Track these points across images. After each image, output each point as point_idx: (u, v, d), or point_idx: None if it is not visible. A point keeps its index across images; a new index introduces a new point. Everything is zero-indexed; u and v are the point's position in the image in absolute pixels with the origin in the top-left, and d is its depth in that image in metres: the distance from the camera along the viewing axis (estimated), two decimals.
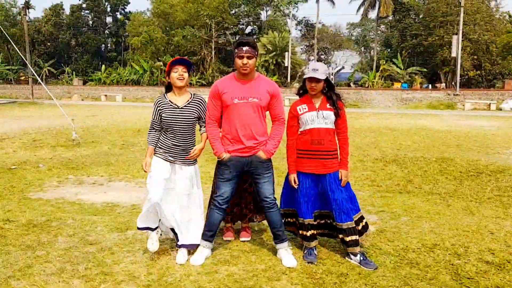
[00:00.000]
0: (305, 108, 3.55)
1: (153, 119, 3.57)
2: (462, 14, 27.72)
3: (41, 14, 52.96)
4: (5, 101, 29.03)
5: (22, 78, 45.34)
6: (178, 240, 3.58)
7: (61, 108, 12.14)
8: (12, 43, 13.59)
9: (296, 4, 42.69)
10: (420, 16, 40.90)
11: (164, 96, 3.57)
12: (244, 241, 3.98)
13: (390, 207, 5.17)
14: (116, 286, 3.11)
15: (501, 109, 24.12)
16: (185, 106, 3.51)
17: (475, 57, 35.74)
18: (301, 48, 49.37)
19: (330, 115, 3.53)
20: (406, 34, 39.46)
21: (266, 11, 46.24)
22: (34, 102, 28.08)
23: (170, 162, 3.54)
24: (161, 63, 38.88)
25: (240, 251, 3.75)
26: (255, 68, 3.56)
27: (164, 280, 3.20)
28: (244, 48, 3.38)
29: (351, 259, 3.54)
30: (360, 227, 3.64)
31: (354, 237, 3.49)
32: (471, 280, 3.25)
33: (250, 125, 3.48)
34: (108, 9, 53.28)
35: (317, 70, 3.45)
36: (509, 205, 5.29)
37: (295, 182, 3.59)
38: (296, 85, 38.24)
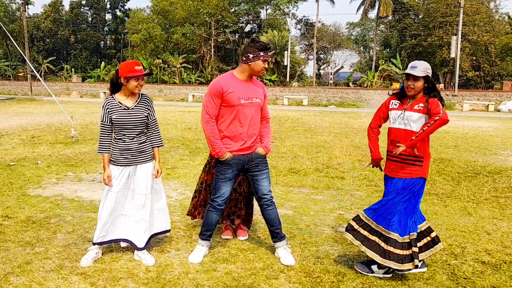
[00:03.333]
0: (395, 105, 3.38)
1: (103, 121, 3.45)
2: (461, 15, 27.75)
3: (41, 10, 53.02)
4: (4, 98, 28.98)
5: (21, 74, 45.28)
6: (137, 246, 3.52)
7: (60, 105, 12.14)
8: (11, 39, 13.55)
9: (296, 3, 42.70)
10: (420, 17, 40.98)
11: (113, 97, 3.48)
12: (242, 239, 4.00)
13: None
14: (115, 283, 3.12)
15: (499, 111, 24.19)
16: (134, 106, 3.46)
17: (474, 58, 35.85)
18: (301, 47, 49.39)
19: (411, 115, 3.22)
20: (406, 34, 39.53)
21: (266, 10, 46.25)
22: (32, 99, 28.03)
23: (127, 165, 3.48)
24: (160, 60, 38.87)
25: (238, 250, 3.77)
26: None
27: (163, 278, 3.22)
28: (270, 53, 3.46)
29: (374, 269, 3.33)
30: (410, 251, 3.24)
31: (399, 251, 3.23)
32: (467, 280, 3.27)
33: (253, 124, 3.52)
34: (108, 6, 53.22)
35: (415, 67, 3.20)
36: (506, 206, 5.32)
37: (379, 167, 3.56)
38: (295, 84, 38.32)
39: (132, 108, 3.45)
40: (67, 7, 51.90)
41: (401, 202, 3.25)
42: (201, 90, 31.32)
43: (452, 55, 28.14)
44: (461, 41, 29.28)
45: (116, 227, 3.55)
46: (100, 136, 3.49)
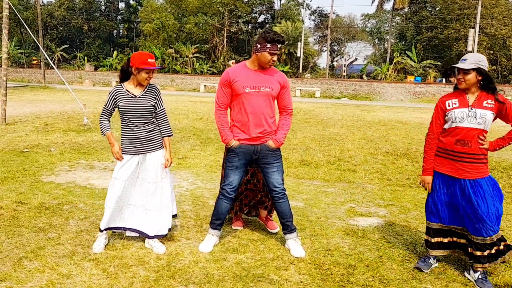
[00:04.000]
0: (455, 103, 3.15)
1: (106, 106, 3.49)
2: (479, 8, 27.17)
3: None
4: (17, 85, 29.34)
5: (34, 62, 45.66)
6: (147, 234, 3.53)
7: (73, 93, 12.24)
8: (26, 26, 13.65)
9: None
10: (437, 9, 40.19)
11: (121, 85, 3.51)
12: (274, 232, 3.93)
13: (400, 201, 5.15)
14: (126, 270, 3.15)
15: None
16: (142, 95, 3.48)
17: (491, 51, 35.11)
18: (314, 39, 48.89)
19: (486, 114, 3.05)
20: (422, 27, 38.85)
21: (280, 0, 45.86)
22: (46, 86, 28.32)
23: (136, 154, 3.49)
24: (173, 50, 38.87)
25: (248, 240, 3.77)
26: None
27: (173, 266, 3.24)
28: (279, 46, 3.39)
29: (469, 274, 3.19)
30: (494, 250, 3.13)
31: (486, 252, 3.11)
32: None
33: (260, 114, 3.48)
34: None
35: (465, 60, 3.06)
36: None
37: (428, 186, 3.30)
38: (308, 75, 38.02)
39: (140, 97, 3.47)
40: None
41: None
42: (213, 80, 31.30)
43: (469, 48, 27.61)
44: (479, 34, 28.71)
45: (123, 216, 3.57)
46: (100, 118, 3.57)
